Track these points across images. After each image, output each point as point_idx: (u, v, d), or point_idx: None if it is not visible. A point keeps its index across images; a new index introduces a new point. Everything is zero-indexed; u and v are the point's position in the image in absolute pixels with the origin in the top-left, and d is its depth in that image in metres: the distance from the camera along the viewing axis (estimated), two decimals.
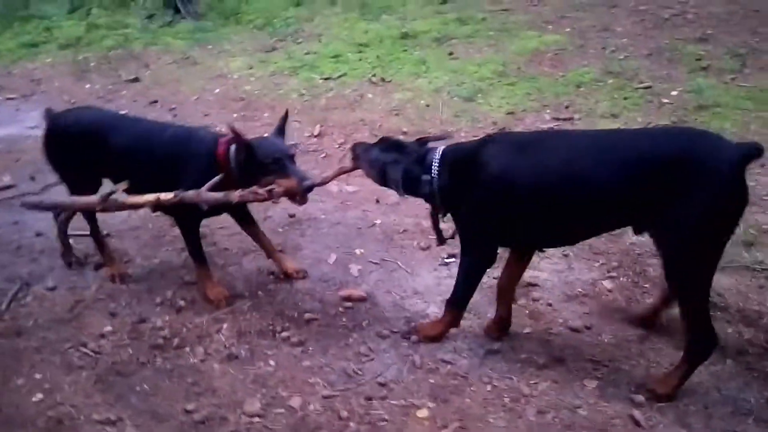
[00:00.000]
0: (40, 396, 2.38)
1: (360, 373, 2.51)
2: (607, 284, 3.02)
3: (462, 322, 2.69)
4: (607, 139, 2.33)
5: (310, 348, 2.67)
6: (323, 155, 4.77)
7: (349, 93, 5.85)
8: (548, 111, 4.99)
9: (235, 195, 2.56)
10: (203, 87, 6.42)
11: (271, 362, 2.59)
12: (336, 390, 2.41)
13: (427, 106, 5.37)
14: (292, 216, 3.83)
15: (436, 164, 2.48)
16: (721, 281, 2.86)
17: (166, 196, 2.55)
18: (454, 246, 3.38)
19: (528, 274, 2.98)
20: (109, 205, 2.62)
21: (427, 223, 3.02)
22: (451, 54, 6.42)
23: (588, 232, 2.50)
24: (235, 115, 5.63)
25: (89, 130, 3.00)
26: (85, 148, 2.99)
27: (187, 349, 2.67)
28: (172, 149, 2.85)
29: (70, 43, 8.27)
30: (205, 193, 2.55)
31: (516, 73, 5.75)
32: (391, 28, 7.24)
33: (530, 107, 5.10)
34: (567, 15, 6.89)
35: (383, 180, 2.63)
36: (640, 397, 2.30)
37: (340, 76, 6.24)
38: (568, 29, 6.58)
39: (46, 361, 2.60)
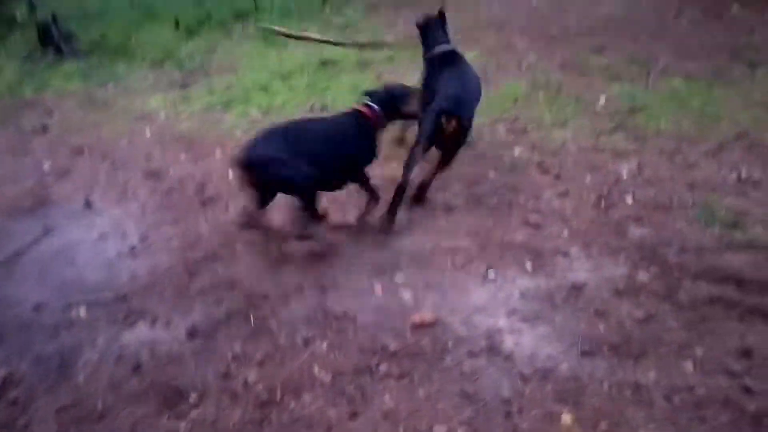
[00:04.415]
0: None
1: (479, 393, 2.59)
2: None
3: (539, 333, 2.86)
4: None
5: (415, 377, 2.70)
6: None
7: None
8: (502, 124, 5.34)
9: None
10: (130, 129, 6.00)
11: (387, 397, 2.59)
12: (469, 412, 2.47)
13: None
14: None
15: None
16: None
17: None
18: (492, 261, 3.60)
19: (570, 277, 3.25)
20: None
21: None
22: (380, 77, 6.61)
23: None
24: (183, 155, 5.36)
25: None
26: None
27: (292, 403, 2.59)
28: None
29: None
30: None
31: None
32: (308, 56, 7.30)
33: (483, 123, 5.43)
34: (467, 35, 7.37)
35: None
36: None
37: (278, 108, 6.18)
38: (477, 49, 7.07)
39: None
